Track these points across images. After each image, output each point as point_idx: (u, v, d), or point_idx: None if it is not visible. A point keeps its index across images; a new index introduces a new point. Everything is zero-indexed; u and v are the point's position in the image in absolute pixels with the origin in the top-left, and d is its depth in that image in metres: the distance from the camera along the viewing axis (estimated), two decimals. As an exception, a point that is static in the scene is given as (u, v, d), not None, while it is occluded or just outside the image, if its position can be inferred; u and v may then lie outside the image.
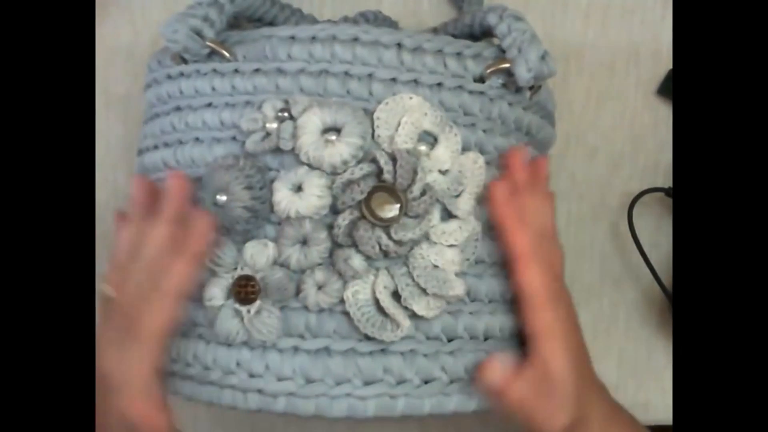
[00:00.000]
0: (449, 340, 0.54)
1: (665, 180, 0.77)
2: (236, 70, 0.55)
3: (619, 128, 0.77)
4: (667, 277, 0.75)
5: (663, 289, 0.74)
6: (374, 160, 0.52)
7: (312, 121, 0.52)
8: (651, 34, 0.76)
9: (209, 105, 0.56)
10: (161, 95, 0.59)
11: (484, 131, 0.56)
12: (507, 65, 0.56)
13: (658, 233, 0.78)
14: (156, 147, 0.59)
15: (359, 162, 0.52)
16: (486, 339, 0.56)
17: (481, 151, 0.56)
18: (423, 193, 0.52)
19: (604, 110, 0.77)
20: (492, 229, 0.56)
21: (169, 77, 0.58)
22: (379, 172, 0.52)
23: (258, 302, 0.52)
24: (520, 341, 0.58)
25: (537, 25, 0.74)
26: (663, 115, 0.77)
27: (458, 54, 0.56)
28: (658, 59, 0.76)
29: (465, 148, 0.55)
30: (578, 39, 0.76)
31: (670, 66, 0.76)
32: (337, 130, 0.52)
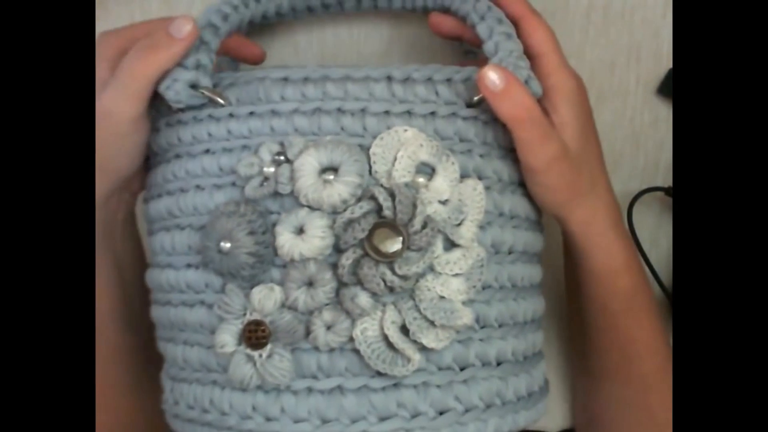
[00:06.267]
0: (462, 369, 0.54)
1: (665, 179, 0.77)
2: (231, 115, 0.56)
3: (619, 127, 0.77)
4: (667, 276, 0.76)
5: (663, 288, 0.74)
6: (373, 197, 0.52)
7: (308, 163, 0.52)
8: (651, 33, 0.76)
9: (207, 151, 0.56)
10: (161, 143, 0.59)
11: (481, 156, 0.56)
12: None
13: (657, 233, 0.78)
14: (159, 195, 0.59)
15: (359, 199, 0.53)
16: (499, 364, 0.56)
17: (480, 177, 0.56)
18: (424, 226, 0.52)
19: (604, 110, 0.77)
20: (497, 253, 0.56)
21: (168, 125, 0.59)
22: (379, 208, 0.52)
23: (269, 346, 0.53)
24: (533, 363, 0.59)
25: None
26: (663, 114, 0.77)
27: (448, 80, 0.56)
28: (658, 59, 0.76)
29: (463, 175, 0.55)
30: (578, 38, 0.76)
31: (670, 66, 0.76)
32: (335, 169, 0.53)
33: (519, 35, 0.58)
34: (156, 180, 0.60)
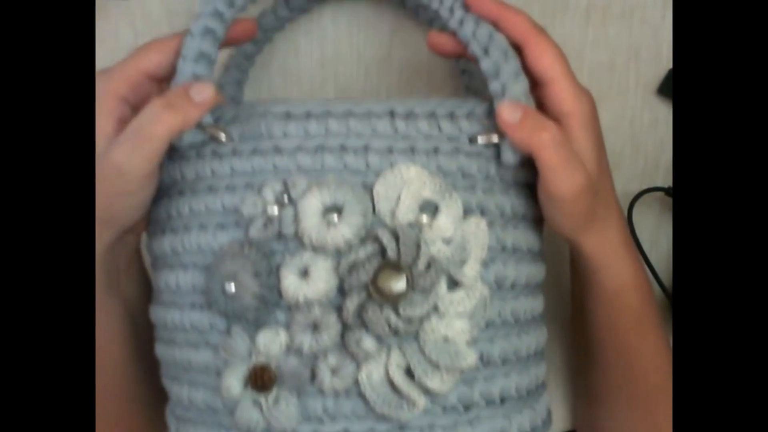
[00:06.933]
0: (466, 409, 0.54)
1: (665, 180, 0.77)
2: (234, 152, 0.55)
3: (619, 128, 0.77)
4: (667, 277, 0.76)
5: (663, 289, 0.74)
6: (377, 239, 0.52)
7: (312, 204, 0.52)
8: (651, 34, 0.75)
9: (210, 189, 0.56)
10: (164, 179, 0.58)
11: (484, 192, 0.56)
12: (495, 141, 0.56)
13: (658, 233, 0.78)
14: (163, 232, 0.59)
15: (362, 240, 0.52)
16: (503, 401, 0.56)
17: (483, 212, 0.55)
18: (428, 266, 0.52)
19: (604, 110, 0.75)
20: (500, 289, 0.56)
21: (171, 160, 0.58)
22: (383, 250, 0.52)
23: (275, 390, 0.53)
24: (536, 397, 0.59)
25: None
26: (663, 115, 0.77)
27: (451, 114, 0.56)
28: (658, 59, 0.76)
29: (467, 211, 0.55)
30: (578, 38, 0.75)
31: (670, 66, 0.75)
32: (338, 209, 0.52)
33: (525, 58, 0.57)
34: (159, 215, 0.59)
